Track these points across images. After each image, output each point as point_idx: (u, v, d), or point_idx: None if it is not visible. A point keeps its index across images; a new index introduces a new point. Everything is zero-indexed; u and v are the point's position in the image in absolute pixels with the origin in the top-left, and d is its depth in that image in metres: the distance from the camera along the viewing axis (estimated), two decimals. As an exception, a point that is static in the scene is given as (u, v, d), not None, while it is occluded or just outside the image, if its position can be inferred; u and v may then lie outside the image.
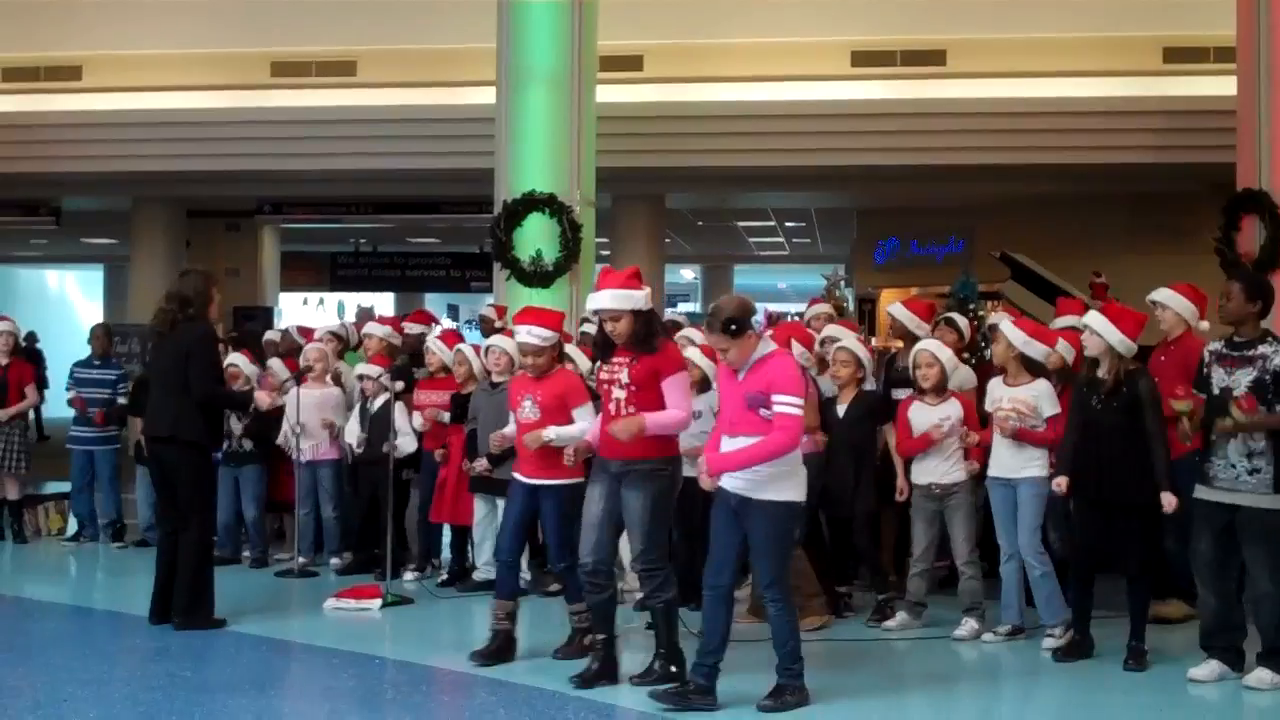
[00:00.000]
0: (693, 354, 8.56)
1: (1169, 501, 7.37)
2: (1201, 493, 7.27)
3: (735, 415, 6.54)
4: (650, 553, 6.93)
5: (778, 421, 6.42)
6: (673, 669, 6.99)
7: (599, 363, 7.20)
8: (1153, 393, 7.51)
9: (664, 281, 21.78)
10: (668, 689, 6.69)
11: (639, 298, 6.91)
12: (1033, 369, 8.16)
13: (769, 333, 9.10)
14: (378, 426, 10.08)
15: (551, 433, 7.29)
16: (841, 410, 8.76)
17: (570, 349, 9.15)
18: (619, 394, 6.90)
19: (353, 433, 10.33)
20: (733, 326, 6.47)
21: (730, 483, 6.57)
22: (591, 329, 11.27)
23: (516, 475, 7.54)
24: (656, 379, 6.85)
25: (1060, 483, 7.68)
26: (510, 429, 7.80)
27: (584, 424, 7.32)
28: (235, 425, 10.67)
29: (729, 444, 6.56)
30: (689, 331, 9.84)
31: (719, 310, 6.55)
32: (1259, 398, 7.03)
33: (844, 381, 8.77)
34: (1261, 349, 7.13)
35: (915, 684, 7.60)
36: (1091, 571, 7.70)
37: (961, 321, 9.79)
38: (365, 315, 14.69)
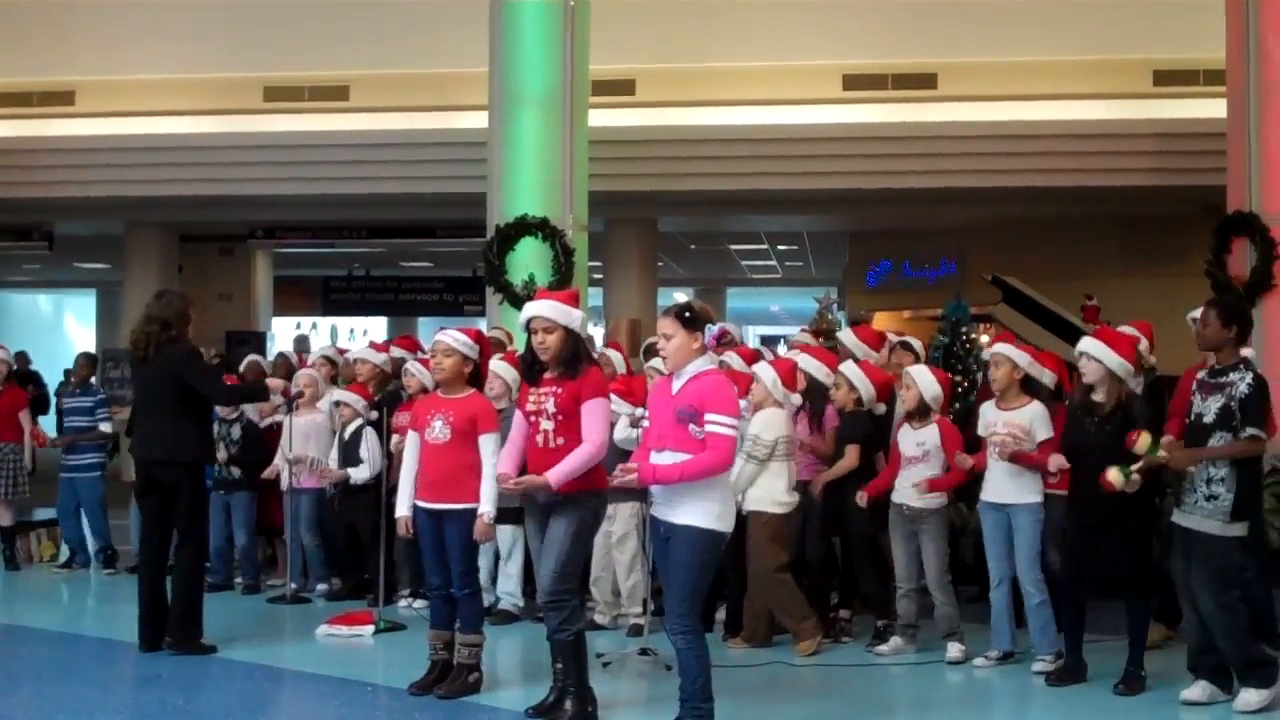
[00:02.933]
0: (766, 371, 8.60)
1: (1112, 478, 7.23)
2: (1174, 516, 7.30)
3: (664, 429, 6.39)
4: (560, 583, 6.75)
5: (710, 441, 6.24)
6: (587, 708, 6.83)
7: (526, 386, 7.01)
8: (1147, 417, 7.50)
9: (657, 305, 21.74)
10: None
11: (575, 317, 6.85)
12: (1029, 392, 8.16)
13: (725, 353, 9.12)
14: (350, 453, 10.14)
15: (489, 512, 7.22)
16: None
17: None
18: (547, 425, 6.78)
19: (335, 461, 10.40)
20: (687, 314, 6.42)
21: (660, 511, 6.41)
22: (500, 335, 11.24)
23: (419, 502, 7.41)
24: (578, 405, 6.75)
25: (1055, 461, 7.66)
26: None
27: (489, 464, 7.22)
28: (222, 453, 10.67)
29: (656, 459, 6.39)
30: (609, 351, 9.88)
31: (682, 302, 6.55)
32: (1224, 425, 7.01)
33: (840, 404, 8.80)
34: (1231, 376, 7.10)
35: (907, 710, 7.62)
36: (1082, 594, 7.68)
37: (916, 344, 9.82)
38: (301, 343, 14.70)
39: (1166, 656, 8.09)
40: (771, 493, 8.40)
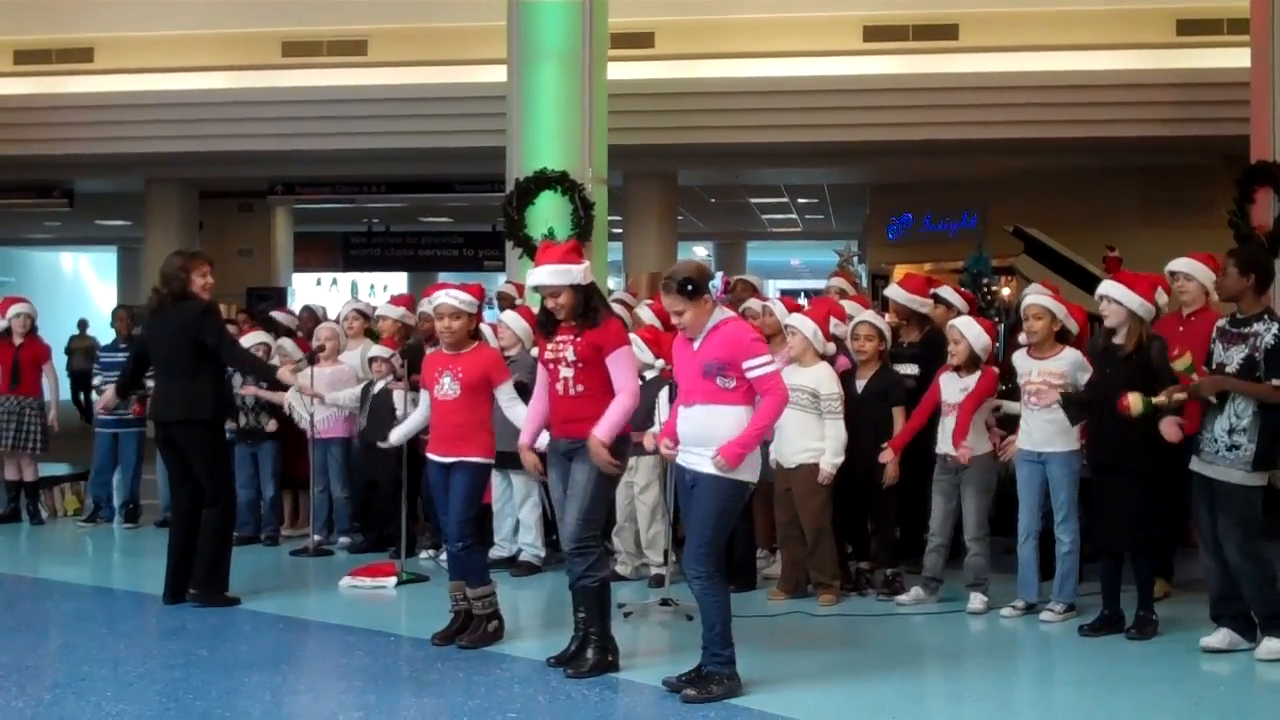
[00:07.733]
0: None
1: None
2: (1193, 464, 7.28)
3: (691, 384, 6.46)
4: (585, 530, 6.81)
5: (761, 385, 6.34)
6: (609, 657, 6.88)
7: (545, 339, 7.06)
8: (1163, 356, 7.48)
9: (676, 259, 21.71)
10: (683, 677, 6.49)
11: (577, 272, 6.82)
12: (1061, 340, 8.15)
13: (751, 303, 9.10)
14: (379, 408, 10.11)
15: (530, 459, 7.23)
16: (861, 385, 8.74)
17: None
18: (566, 372, 6.83)
19: (349, 397, 10.36)
20: (689, 287, 6.39)
21: (687, 460, 6.47)
22: (510, 289, 11.27)
23: (431, 456, 7.50)
24: (600, 354, 6.78)
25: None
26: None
27: (518, 407, 7.36)
28: (250, 400, 10.72)
29: (686, 413, 6.47)
30: (640, 311, 9.88)
31: (675, 272, 6.50)
32: (1248, 375, 7.00)
33: (867, 356, 8.75)
34: (1256, 326, 7.07)
35: (928, 658, 7.63)
36: (1099, 543, 7.72)
37: (948, 293, 9.81)
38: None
39: (1185, 605, 8.10)
40: (827, 446, 8.39)
